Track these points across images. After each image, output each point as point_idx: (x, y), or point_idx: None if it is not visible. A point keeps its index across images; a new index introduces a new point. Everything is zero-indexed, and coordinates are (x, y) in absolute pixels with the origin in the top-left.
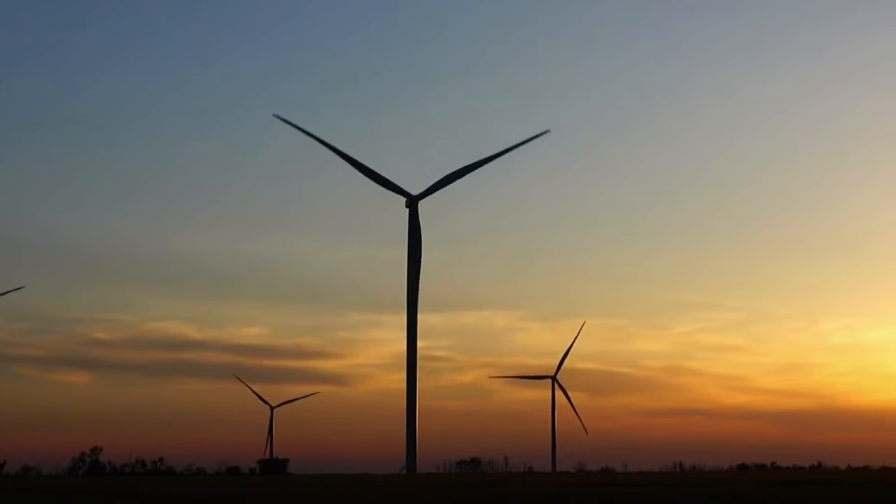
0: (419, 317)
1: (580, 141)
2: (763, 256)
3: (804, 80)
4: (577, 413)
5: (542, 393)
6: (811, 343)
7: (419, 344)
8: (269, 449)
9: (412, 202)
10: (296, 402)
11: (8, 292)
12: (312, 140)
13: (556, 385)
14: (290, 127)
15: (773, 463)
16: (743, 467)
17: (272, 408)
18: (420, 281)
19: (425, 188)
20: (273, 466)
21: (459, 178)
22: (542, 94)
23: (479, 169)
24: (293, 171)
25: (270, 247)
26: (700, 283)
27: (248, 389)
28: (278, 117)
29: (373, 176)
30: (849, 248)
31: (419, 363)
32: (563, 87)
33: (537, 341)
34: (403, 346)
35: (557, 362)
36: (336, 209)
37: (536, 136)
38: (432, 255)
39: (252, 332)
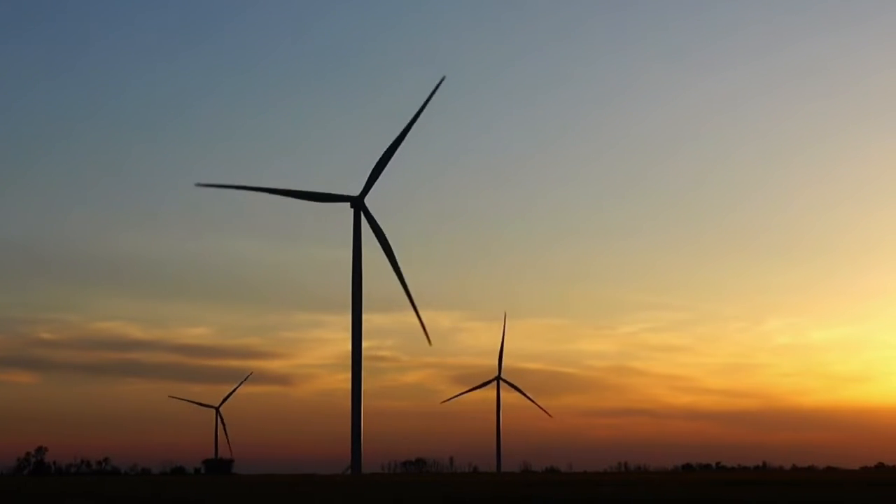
0: (364, 317)
1: (525, 141)
2: (708, 257)
3: (750, 81)
4: (534, 402)
5: (487, 393)
6: (756, 343)
7: (364, 344)
8: (228, 447)
9: (356, 203)
10: (236, 394)
11: None
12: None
13: (500, 385)
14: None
15: (717, 463)
16: (687, 467)
17: (217, 409)
18: (363, 281)
19: (363, 186)
20: (218, 467)
21: (388, 160)
22: (481, 93)
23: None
24: (238, 170)
25: (216, 247)
26: (645, 283)
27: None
28: (201, 185)
29: (310, 196)
30: (794, 248)
31: (364, 363)
32: (509, 88)
33: (481, 341)
34: (348, 346)
35: (499, 363)
36: (281, 210)
37: (436, 88)
38: (377, 256)
39: (197, 333)
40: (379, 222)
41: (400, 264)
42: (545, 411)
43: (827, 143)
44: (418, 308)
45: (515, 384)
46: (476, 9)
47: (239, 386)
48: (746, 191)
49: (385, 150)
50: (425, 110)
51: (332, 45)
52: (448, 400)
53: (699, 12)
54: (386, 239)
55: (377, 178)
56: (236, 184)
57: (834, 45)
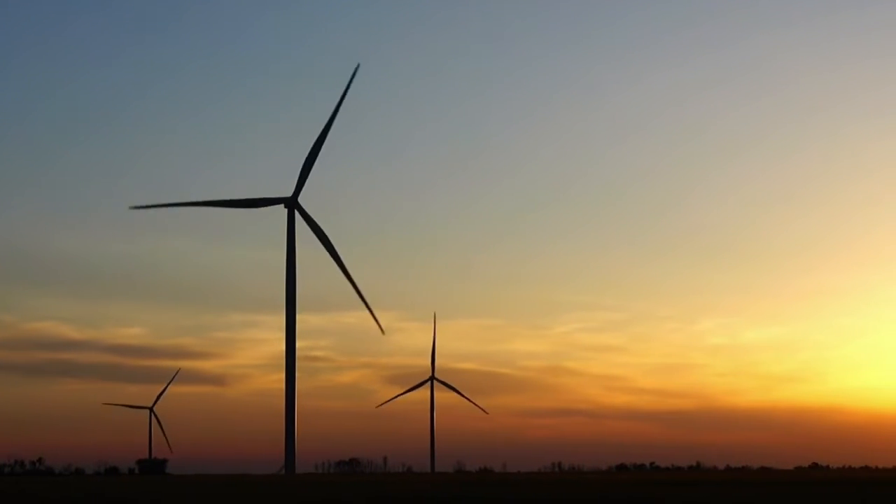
0: (298, 317)
1: (461, 144)
2: (643, 258)
3: (685, 83)
4: (470, 400)
5: (421, 394)
6: (690, 343)
7: (298, 344)
8: (168, 445)
9: (290, 204)
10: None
11: None
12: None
13: (434, 385)
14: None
15: (651, 463)
16: (622, 467)
17: (151, 409)
18: (297, 281)
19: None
20: (152, 467)
21: (316, 157)
22: (416, 97)
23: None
24: (174, 171)
25: (150, 247)
26: (580, 283)
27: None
28: (135, 207)
29: (243, 203)
30: (728, 250)
31: (298, 363)
32: (444, 91)
33: (416, 341)
34: (283, 347)
35: (437, 363)
36: (215, 211)
37: (352, 77)
38: (312, 256)
39: (132, 333)
40: (315, 222)
41: (342, 258)
42: (481, 409)
43: (760, 146)
44: (366, 299)
45: (450, 383)
46: (405, 10)
47: (168, 384)
48: (681, 193)
49: (312, 147)
50: (345, 104)
51: (255, 48)
52: (383, 404)
53: (634, 14)
54: (325, 235)
55: (307, 176)
56: (169, 201)
57: (769, 46)
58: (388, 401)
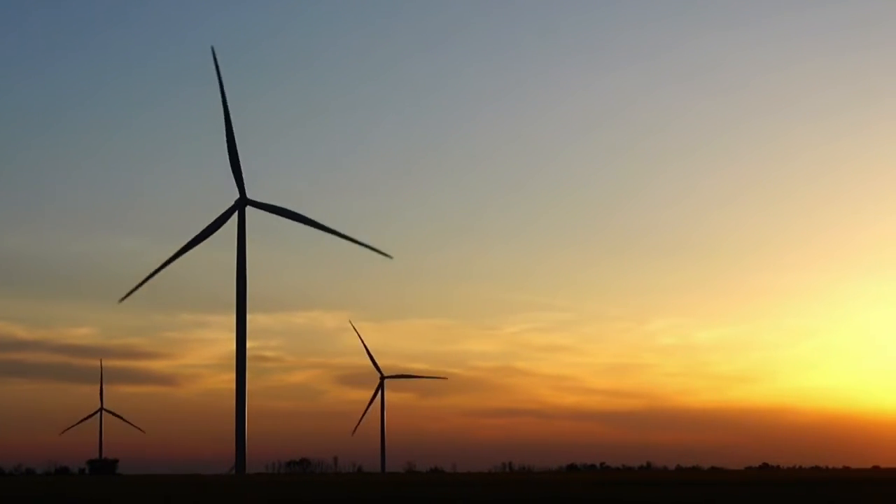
0: (249, 317)
1: (413, 141)
2: (593, 257)
3: (637, 82)
4: (424, 376)
5: (370, 393)
6: (641, 343)
7: (249, 344)
8: (136, 427)
9: (241, 203)
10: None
11: None
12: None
13: (384, 385)
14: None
15: (602, 463)
16: (572, 467)
17: (101, 409)
18: (247, 281)
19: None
20: (102, 467)
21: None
22: (370, 94)
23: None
24: (123, 171)
25: (100, 247)
26: (530, 283)
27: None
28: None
29: (206, 234)
30: (678, 249)
31: (249, 363)
32: (396, 89)
33: (367, 341)
34: (233, 347)
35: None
36: (166, 210)
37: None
38: (263, 256)
39: (82, 333)
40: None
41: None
42: (439, 377)
43: (711, 145)
44: (358, 239)
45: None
46: (358, 9)
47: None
48: (631, 192)
49: (227, 145)
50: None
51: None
52: (354, 430)
53: (587, 14)
54: (294, 212)
55: (241, 173)
56: (147, 275)
57: (721, 45)
58: (357, 425)
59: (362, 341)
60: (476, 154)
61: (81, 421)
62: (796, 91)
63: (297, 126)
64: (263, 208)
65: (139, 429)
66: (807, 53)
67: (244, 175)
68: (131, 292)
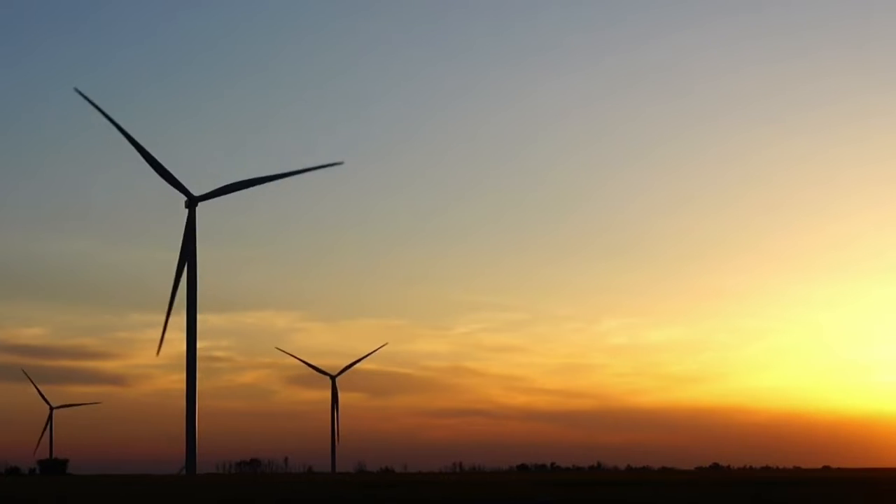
0: (199, 317)
1: (365, 143)
2: (544, 257)
3: (589, 84)
4: (367, 354)
5: (322, 393)
6: (591, 343)
7: (199, 344)
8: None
9: (192, 203)
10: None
11: None
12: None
13: (335, 385)
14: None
15: (552, 463)
16: (523, 468)
17: (52, 408)
18: (198, 281)
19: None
20: (53, 467)
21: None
22: (322, 97)
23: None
24: (74, 171)
25: (51, 247)
26: (481, 283)
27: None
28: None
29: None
30: (629, 250)
31: (199, 364)
32: (350, 92)
33: (318, 341)
34: (183, 347)
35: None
36: (116, 210)
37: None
38: (213, 256)
39: (32, 333)
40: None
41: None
42: (379, 347)
43: (663, 147)
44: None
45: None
46: (308, 13)
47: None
48: (583, 193)
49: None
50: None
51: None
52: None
53: (535, 17)
54: (242, 181)
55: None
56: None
57: (673, 48)
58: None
59: (298, 358)
60: (428, 156)
61: (44, 430)
62: (747, 94)
63: (247, 126)
64: (215, 195)
65: (95, 403)
66: (757, 56)
67: (181, 179)
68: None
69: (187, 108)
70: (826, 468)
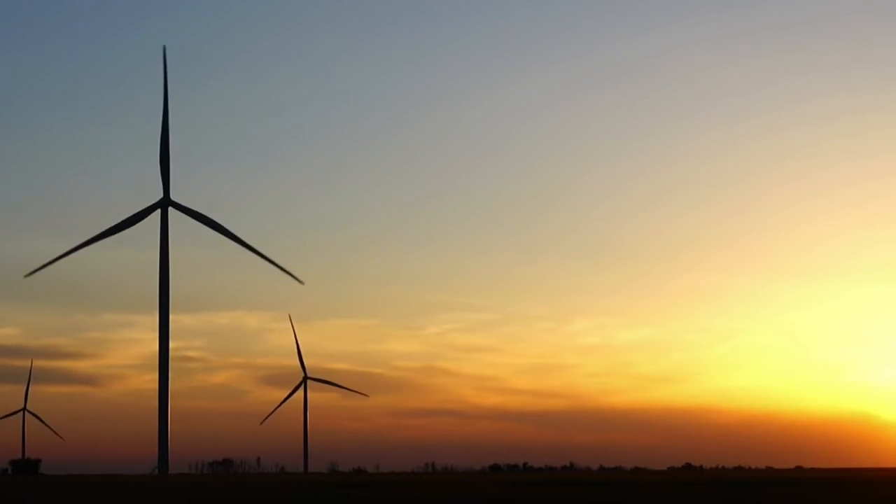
0: (172, 317)
1: (335, 141)
2: (516, 258)
3: (559, 84)
4: (345, 388)
5: (295, 394)
6: (563, 344)
7: (172, 344)
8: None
9: (163, 205)
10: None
11: None
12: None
13: (307, 385)
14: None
15: (525, 464)
16: (495, 468)
17: (25, 409)
18: (171, 282)
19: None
20: (25, 467)
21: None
22: (293, 95)
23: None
24: (47, 171)
25: (23, 247)
26: (453, 283)
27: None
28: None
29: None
30: (601, 250)
31: (172, 364)
32: (321, 90)
33: (289, 341)
34: (156, 347)
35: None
36: (89, 210)
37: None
38: (186, 256)
39: (5, 333)
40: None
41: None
42: (360, 393)
43: (634, 146)
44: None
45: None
46: (278, 11)
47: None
48: (554, 193)
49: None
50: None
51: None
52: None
53: (504, 16)
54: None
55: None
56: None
57: (646, 46)
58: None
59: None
60: (399, 156)
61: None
62: (719, 93)
63: (220, 128)
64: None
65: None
66: (725, 57)
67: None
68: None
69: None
70: (799, 468)
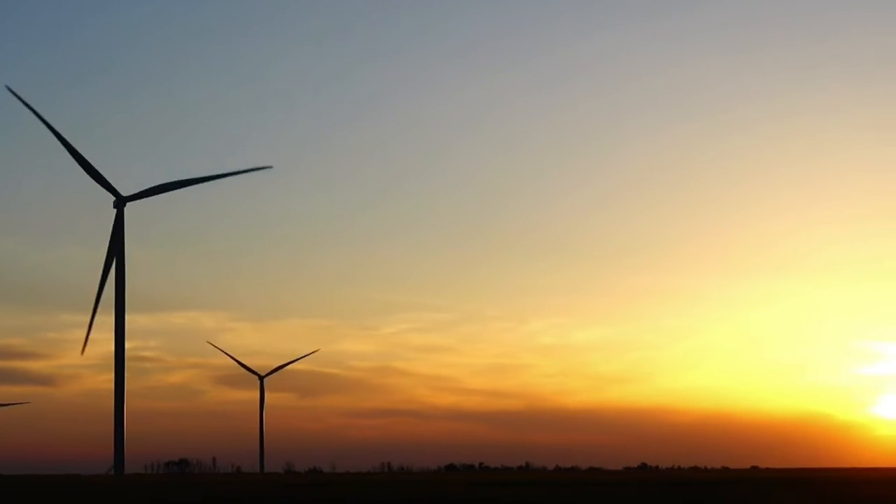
0: (127, 317)
1: (290, 144)
2: (472, 257)
3: (516, 85)
4: (296, 358)
5: (250, 394)
6: (520, 343)
7: (127, 344)
8: None
9: (120, 203)
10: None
11: None
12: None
13: (263, 384)
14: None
15: (481, 464)
16: (451, 468)
17: None
18: (126, 281)
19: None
20: None
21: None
22: (247, 96)
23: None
24: (1, 170)
25: None
26: (409, 283)
27: None
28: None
29: (87, 168)
30: (558, 250)
31: (127, 364)
32: (273, 93)
33: (245, 342)
34: (112, 347)
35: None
36: (44, 210)
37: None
38: (142, 256)
39: None
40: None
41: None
42: (310, 352)
43: (591, 146)
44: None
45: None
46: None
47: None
48: (510, 193)
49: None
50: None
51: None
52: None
53: (462, 15)
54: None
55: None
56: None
57: (599, 47)
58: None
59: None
60: (354, 155)
61: None
62: (675, 93)
63: (176, 127)
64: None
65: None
66: (682, 56)
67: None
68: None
69: (117, 107)
70: (754, 468)
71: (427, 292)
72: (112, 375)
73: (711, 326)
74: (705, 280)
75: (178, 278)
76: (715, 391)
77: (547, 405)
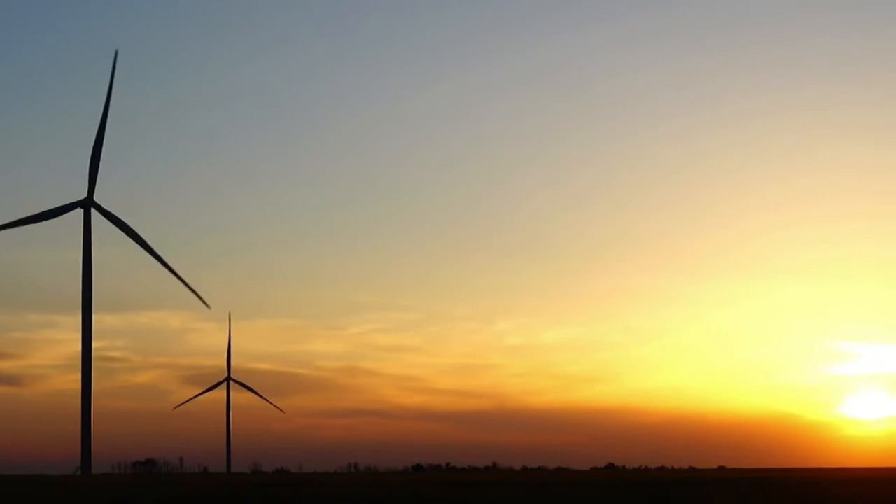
0: (95, 317)
1: (257, 144)
2: (440, 257)
3: (485, 84)
4: (266, 399)
5: (217, 394)
6: (487, 343)
7: (95, 345)
8: None
9: (86, 205)
10: None
11: None
12: None
13: (230, 386)
14: None
15: (448, 463)
16: (418, 468)
17: None
18: (93, 281)
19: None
20: None
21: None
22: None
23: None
24: None
25: None
26: (376, 283)
27: None
28: None
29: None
30: (526, 250)
31: (95, 364)
32: (243, 92)
33: (212, 341)
34: (79, 347)
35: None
36: (11, 210)
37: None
38: (109, 256)
39: None
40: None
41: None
42: (277, 408)
43: (558, 147)
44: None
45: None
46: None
47: None
48: (478, 193)
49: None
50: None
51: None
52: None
53: (432, 16)
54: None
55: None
56: None
57: (569, 47)
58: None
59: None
60: (322, 156)
61: None
62: (642, 94)
63: (145, 131)
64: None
65: None
66: (652, 56)
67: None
68: None
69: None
70: (721, 468)
71: (394, 292)
72: (79, 375)
73: (679, 326)
74: (673, 280)
75: (144, 278)
76: (683, 391)
77: (514, 405)
